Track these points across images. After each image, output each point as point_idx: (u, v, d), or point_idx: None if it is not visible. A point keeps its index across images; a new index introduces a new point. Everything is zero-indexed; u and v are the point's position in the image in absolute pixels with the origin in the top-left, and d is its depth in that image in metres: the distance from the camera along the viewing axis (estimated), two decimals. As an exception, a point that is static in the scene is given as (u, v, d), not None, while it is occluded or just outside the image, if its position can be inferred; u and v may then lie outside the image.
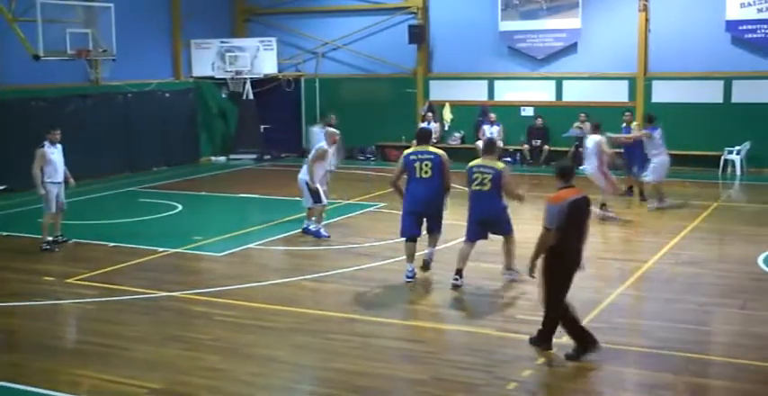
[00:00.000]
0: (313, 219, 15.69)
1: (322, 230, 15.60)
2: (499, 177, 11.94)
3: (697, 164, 23.48)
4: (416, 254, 12.68)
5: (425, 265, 12.74)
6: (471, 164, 12.42)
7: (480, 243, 12.44)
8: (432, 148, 12.55)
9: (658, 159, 17.91)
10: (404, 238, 12.70)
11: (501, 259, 12.78)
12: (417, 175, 12.29)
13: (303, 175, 15.56)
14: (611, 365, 9.26)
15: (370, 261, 13.86)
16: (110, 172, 23.65)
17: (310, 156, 15.61)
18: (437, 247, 12.85)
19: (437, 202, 12.39)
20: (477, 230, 12.26)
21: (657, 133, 17.99)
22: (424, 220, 12.54)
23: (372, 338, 10.16)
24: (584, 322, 10.41)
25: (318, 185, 15.40)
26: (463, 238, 12.42)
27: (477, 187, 12.06)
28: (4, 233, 16.51)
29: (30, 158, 14.86)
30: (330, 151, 15.89)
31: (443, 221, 12.63)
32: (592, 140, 17.12)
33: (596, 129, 17.55)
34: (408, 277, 12.53)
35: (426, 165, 12.27)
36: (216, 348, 9.87)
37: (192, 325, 10.88)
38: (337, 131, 15.95)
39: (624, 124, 19.61)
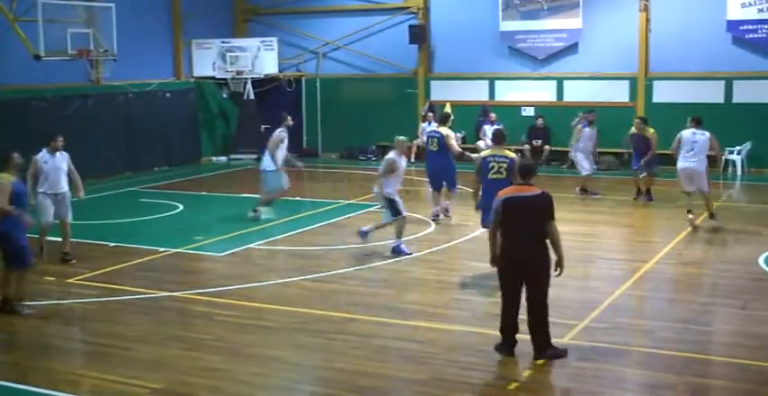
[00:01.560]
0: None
1: (403, 246, 14.35)
2: (513, 165, 12.14)
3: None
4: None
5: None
6: (484, 154, 13.29)
7: (484, 244, 12.41)
8: (507, 152, 12.96)
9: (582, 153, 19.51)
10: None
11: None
12: (491, 176, 12.67)
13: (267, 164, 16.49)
14: (612, 365, 9.26)
15: (370, 261, 13.86)
16: (111, 172, 23.64)
17: (381, 169, 14.37)
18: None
19: None
20: None
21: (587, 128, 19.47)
22: None
23: (373, 338, 10.16)
24: (586, 322, 10.48)
25: (396, 197, 14.25)
26: (461, 239, 12.41)
27: (495, 176, 12.61)
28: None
29: (30, 159, 14.61)
30: (401, 163, 14.40)
31: None
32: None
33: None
34: None
35: (502, 166, 12.65)
36: (217, 348, 9.88)
37: (193, 325, 10.88)
38: (405, 139, 14.66)
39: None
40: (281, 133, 16.95)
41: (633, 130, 19.13)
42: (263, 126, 28.11)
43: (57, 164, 13.84)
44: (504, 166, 12.59)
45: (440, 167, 16.81)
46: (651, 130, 18.69)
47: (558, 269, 9.33)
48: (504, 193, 9.46)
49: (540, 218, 9.24)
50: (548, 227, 9.22)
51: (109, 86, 24.26)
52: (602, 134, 20.59)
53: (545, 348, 9.34)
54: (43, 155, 13.83)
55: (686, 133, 16.54)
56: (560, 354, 9.37)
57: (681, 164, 16.30)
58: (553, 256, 9.31)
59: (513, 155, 12.84)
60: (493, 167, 12.68)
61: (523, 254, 9.26)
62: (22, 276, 11.39)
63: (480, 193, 12.99)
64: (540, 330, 9.36)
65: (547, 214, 9.26)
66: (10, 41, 20.86)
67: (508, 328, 9.47)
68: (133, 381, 8.87)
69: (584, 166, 19.66)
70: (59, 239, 14.11)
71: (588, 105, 23.43)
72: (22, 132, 19.61)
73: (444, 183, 16.85)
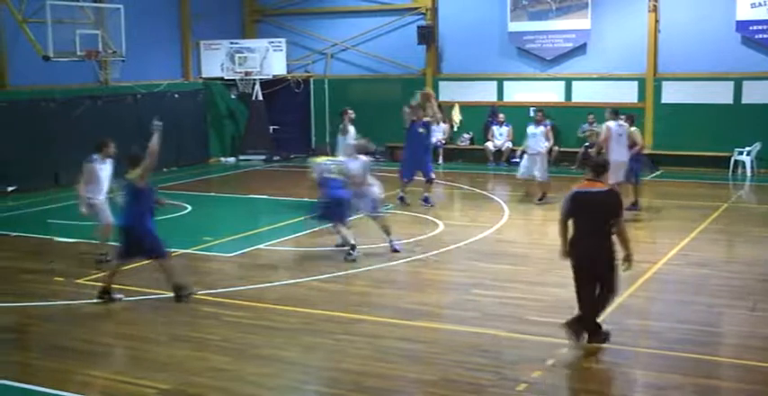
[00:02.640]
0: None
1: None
2: None
3: (707, 165, 23.45)
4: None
5: None
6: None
7: (492, 245, 12.45)
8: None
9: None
10: None
11: (512, 261, 12.91)
12: None
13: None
14: (621, 367, 9.27)
15: (378, 262, 13.84)
16: (119, 172, 23.61)
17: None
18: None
19: None
20: None
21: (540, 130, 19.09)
22: None
23: (381, 339, 10.15)
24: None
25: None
26: (469, 240, 12.40)
27: None
28: (14, 234, 16.55)
29: (39, 159, 14.71)
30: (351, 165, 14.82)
31: None
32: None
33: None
34: None
35: None
36: (224, 349, 9.88)
37: (201, 325, 10.89)
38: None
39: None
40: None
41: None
42: (271, 127, 28.21)
43: (109, 170, 14.06)
44: None
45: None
46: (632, 129, 18.31)
47: (627, 264, 9.59)
48: (575, 186, 9.74)
49: (606, 214, 9.49)
50: (614, 224, 9.48)
51: (118, 87, 24.30)
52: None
53: (599, 334, 9.64)
54: (97, 161, 13.94)
55: (612, 126, 16.88)
56: (607, 338, 9.67)
57: (610, 156, 16.31)
58: (621, 251, 9.53)
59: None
60: None
61: (589, 248, 9.49)
62: (165, 265, 11.86)
63: None
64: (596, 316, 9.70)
65: (613, 211, 9.51)
66: (19, 42, 20.92)
67: (589, 318, 9.66)
68: (141, 381, 8.88)
69: None
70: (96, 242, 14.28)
71: (597, 106, 23.45)
72: (32, 133, 19.67)
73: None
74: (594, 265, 9.54)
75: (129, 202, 11.85)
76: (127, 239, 11.71)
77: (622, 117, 17.33)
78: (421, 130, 18.66)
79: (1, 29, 21.39)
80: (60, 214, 18.51)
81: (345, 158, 15.09)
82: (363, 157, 14.70)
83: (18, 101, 21.50)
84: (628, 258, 9.57)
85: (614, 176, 15.83)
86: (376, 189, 14.72)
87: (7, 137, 20.14)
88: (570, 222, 9.66)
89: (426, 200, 18.61)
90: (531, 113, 20.54)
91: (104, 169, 14.00)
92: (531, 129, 19.09)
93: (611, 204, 9.55)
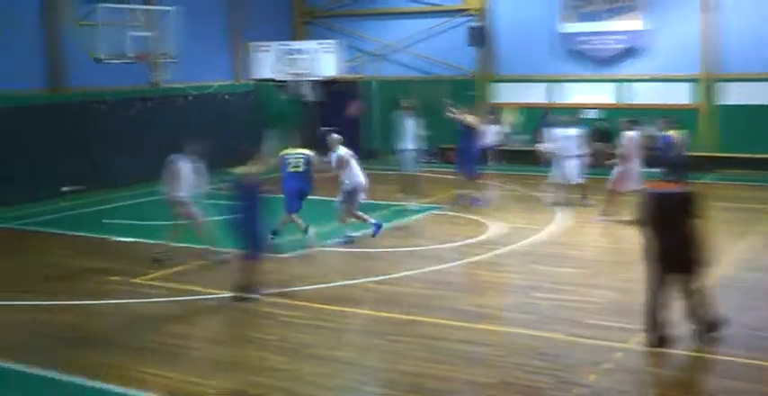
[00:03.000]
0: None
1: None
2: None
3: (764, 168, 23.03)
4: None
5: None
6: None
7: (547, 247, 12.37)
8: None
9: None
10: None
11: (568, 263, 12.80)
12: None
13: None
14: (682, 372, 9.19)
15: (434, 263, 13.80)
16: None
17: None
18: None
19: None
20: None
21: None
22: None
23: (438, 341, 10.12)
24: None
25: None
26: (523, 241, 12.28)
27: None
28: (71, 233, 16.72)
29: (93, 160, 14.86)
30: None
31: None
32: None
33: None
34: None
35: None
36: (282, 349, 9.91)
37: (258, 325, 10.95)
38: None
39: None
40: None
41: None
42: (322, 128, 28.21)
43: (193, 168, 14.58)
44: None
45: None
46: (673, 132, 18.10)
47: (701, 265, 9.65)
48: (650, 186, 9.84)
49: (682, 214, 9.48)
50: (690, 223, 9.48)
51: (168, 89, 24.47)
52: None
53: (713, 325, 9.73)
54: (184, 159, 14.43)
55: (634, 135, 17.10)
56: (723, 323, 9.82)
57: (633, 166, 16.92)
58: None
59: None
60: None
61: (669, 248, 9.49)
62: (245, 264, 12.06)
63: None
64: (700, 311, 9.70)
65: (688, 211, 9.49)
66: (72, 45, 21.15)
67: (657, 322, 9.67)
68: (201, 380, 8.94)
69: None
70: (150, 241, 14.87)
71: (651, 108, 23.21)
72: (84, 134, 19.88)
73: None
74: (678, 263, 9.53)
75: (236, 198, 12.14)
76: (240, 236, 11.97)
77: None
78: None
79: (55, 32, 21.63)
80: (115, 214, 18.72)
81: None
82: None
83: (71, 103, 21.74)
84: (701, 261, 9.54)
85: (635, 184, 15.86)
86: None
87: (61, 138, 20.37)
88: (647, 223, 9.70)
89: (473, 200, 18.55)
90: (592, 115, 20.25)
91: (187, 168, 14.38)
92: (566, 131, 18.93)
93: (686, 204, 9.52)
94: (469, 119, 18.81)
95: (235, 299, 11.81)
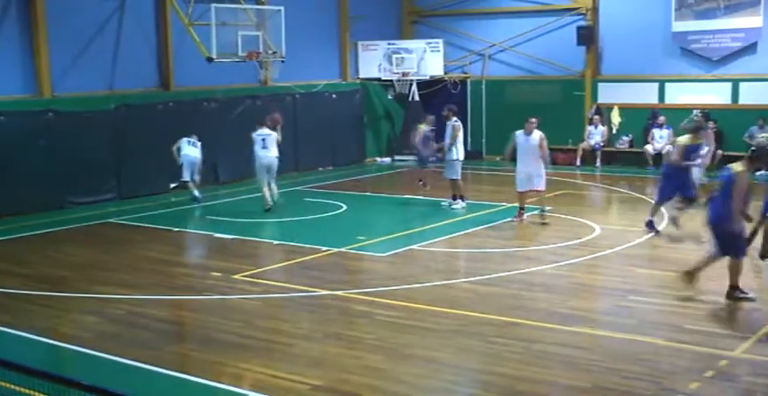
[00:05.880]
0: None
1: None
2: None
3: None
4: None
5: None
6: None
7: (649, 250, 12.06)
8: (732, 165, 11.65)
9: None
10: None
11: (670, 266, 12.50)
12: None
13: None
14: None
15: (533, 265, 13.61)
16: (277, 172, 24.10)
17: None
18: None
19: (722, 224, 11.52)
20: None
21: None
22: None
23: (534, 343, 9.96)
24: (759, 335, 10.00)
25: None
26: (626, 245, 11.99)
27: None
28: (176, 229, 17.04)
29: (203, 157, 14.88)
30: None
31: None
32: None
33: None
34: None
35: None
36: (377, 348, 9.88)
37: (354, 324, 10.94)
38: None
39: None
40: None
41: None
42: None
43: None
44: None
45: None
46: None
47: None
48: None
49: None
50: None
51: (276, 87, 24.75)
52: None
53: None
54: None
55: (519, 136, 16.90)
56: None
57: (520, 166, 16.88)
58: None
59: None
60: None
61: None
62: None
63: None
64: None
65: None
66: (185, 45, 21.57)
67: None
68: (294, 376, 8.96)
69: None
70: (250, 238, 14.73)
71: (766, 108, 22.49)
72: (194, 132, 20.21)
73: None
74: None
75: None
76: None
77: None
78: None
79: (168, 32, 22.12)
80: (220, 210, 19.01)
81: None
82: None
83: (182, 101, 22.19)
84: None
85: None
86: None
87: (172, 136, 20.72)
88: None
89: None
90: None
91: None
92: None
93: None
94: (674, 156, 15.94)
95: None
